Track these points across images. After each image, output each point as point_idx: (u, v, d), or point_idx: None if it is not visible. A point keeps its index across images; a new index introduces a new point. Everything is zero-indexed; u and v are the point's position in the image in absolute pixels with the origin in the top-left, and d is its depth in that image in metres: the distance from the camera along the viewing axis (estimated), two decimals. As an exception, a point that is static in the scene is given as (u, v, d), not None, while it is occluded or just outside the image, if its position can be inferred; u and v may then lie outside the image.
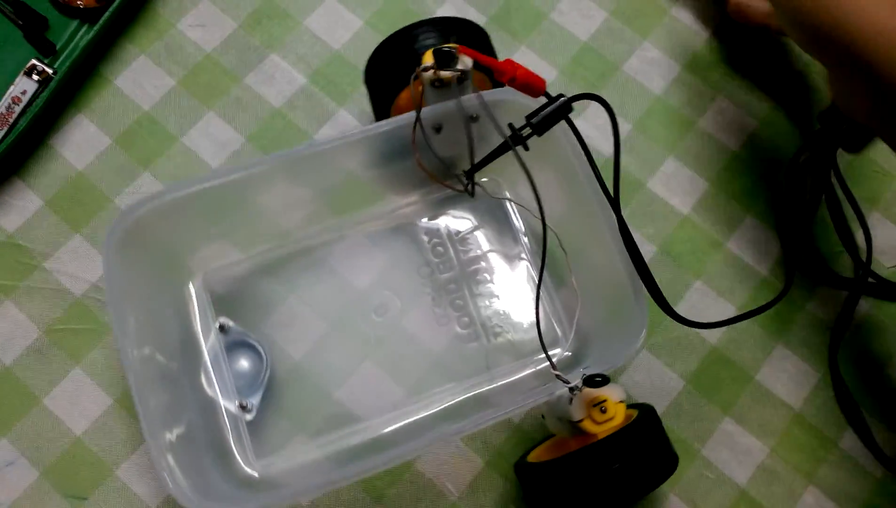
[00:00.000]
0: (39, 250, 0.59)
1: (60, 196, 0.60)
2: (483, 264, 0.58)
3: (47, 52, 0.61)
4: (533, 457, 0.52)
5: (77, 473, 0.54)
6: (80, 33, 0.62)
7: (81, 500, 0.54)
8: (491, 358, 0.56)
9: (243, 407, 0.54)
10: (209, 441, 0.52)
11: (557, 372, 0.45)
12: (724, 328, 0.58)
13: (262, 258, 0.57)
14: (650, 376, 0.57)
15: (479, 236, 0.59)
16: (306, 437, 0.54)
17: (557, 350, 0.56)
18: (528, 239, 0.59)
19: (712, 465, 0.56)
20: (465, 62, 0.49)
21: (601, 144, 0.62)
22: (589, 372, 0.45)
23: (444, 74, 0.49)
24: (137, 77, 0.63)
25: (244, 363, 0.55)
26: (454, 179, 0.51)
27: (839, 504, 0.55)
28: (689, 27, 0.66)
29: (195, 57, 0.64)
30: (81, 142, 0.61)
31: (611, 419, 0.46)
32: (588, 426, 0.46)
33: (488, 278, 0.58)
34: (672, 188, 0.61)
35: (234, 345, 0.55)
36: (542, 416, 0.51)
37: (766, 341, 0.58)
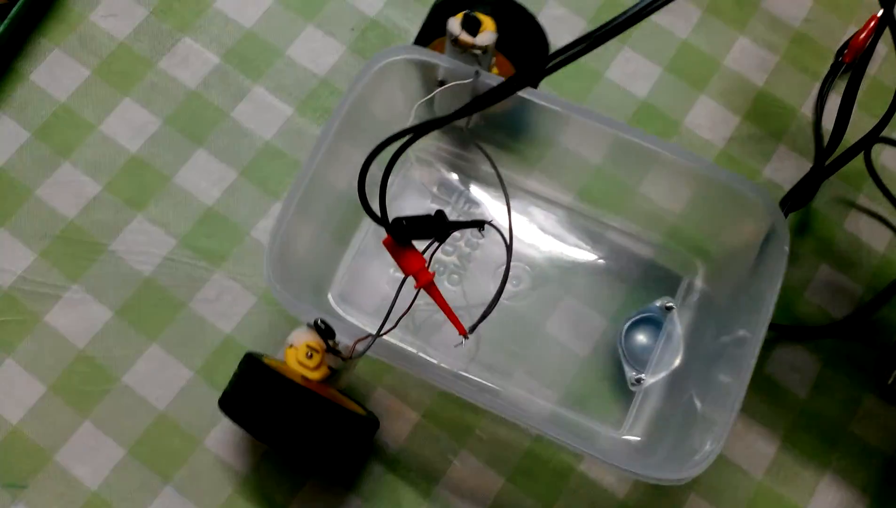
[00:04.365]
0: (-35, 246, 0.59)
1: (-18, 192, 0.61)
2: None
3: (-42, 51, 0.61)
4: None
5: (15, 462, 0.55)
6: (-9, 31, 0.63)
7: (21, 488, 0.54)
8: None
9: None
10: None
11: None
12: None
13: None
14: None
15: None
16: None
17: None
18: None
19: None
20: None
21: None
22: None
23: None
24: (52, 70, 0.64)
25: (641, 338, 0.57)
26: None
27: (767, 428, 0.57)
28: None
29: (109, 46, 0.64)
30: (0, 138, 0.62)
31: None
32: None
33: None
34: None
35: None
36: None
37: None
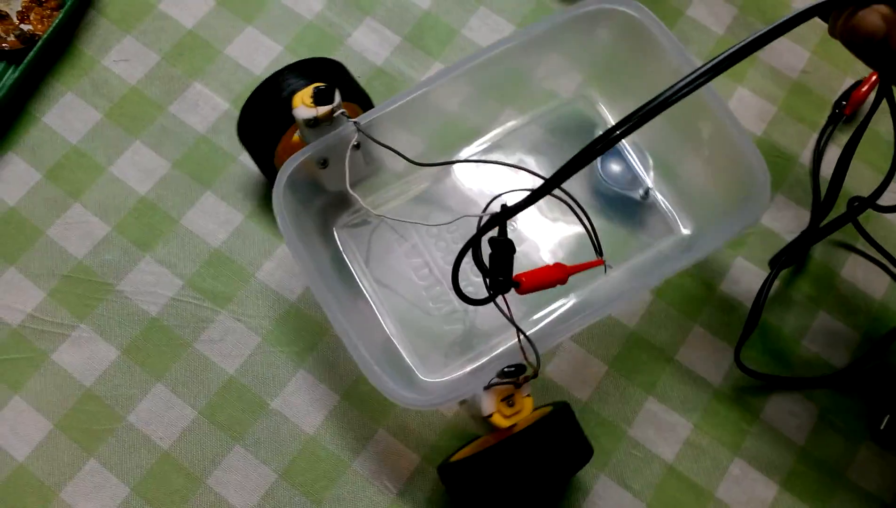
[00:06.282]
0: (-25, 285, 0.60)
1: (-7, 231, 0.62)
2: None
3: (-26, 94, 0.63)
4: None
5: (21, 498, 0.55)
6: (7, 74, 0.64)
7: (26, 525, 0.55)
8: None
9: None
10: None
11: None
12: (641, 312, 0.61)
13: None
14: (573, 363, 0.59)
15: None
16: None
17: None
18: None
19: (639, 444, 0.58)
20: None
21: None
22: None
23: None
24: (65, 113, 0.65)
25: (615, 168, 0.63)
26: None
27: (765, 474, 0.58)
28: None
29: (120, 90, 0.66)
30: (12, 178, 0.63)
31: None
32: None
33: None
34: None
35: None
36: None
37: (683, 322, 0.61)
